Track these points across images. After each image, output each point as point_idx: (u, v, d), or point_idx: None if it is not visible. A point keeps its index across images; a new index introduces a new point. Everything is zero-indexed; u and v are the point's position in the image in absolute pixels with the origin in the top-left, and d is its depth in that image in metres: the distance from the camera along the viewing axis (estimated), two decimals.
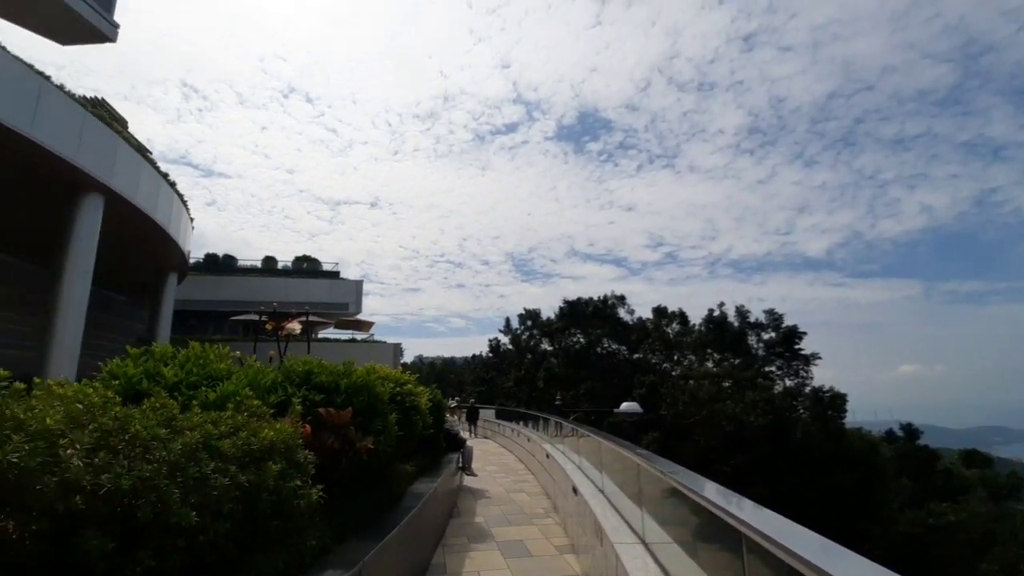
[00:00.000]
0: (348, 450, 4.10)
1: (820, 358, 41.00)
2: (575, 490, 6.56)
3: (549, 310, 62.08)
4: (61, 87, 10.82)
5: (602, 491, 6.01)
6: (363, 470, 4.41)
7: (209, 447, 2.54)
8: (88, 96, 13.60)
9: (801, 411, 38.00)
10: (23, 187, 11.81)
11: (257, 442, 2.82)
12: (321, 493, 3.27)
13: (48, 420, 2.17)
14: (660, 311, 48.58)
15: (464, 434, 16.04)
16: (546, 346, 50.61)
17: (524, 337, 52.48)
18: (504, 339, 54.55)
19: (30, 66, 10.12)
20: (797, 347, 42.02)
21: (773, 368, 42.64)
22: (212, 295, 28.40)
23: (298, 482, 3.02)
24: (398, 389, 5.43)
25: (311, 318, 22.15)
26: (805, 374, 40.90)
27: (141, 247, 16.74)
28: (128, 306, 23.42)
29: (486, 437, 25.50)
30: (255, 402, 3.18)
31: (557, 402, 38.51)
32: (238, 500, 2.58)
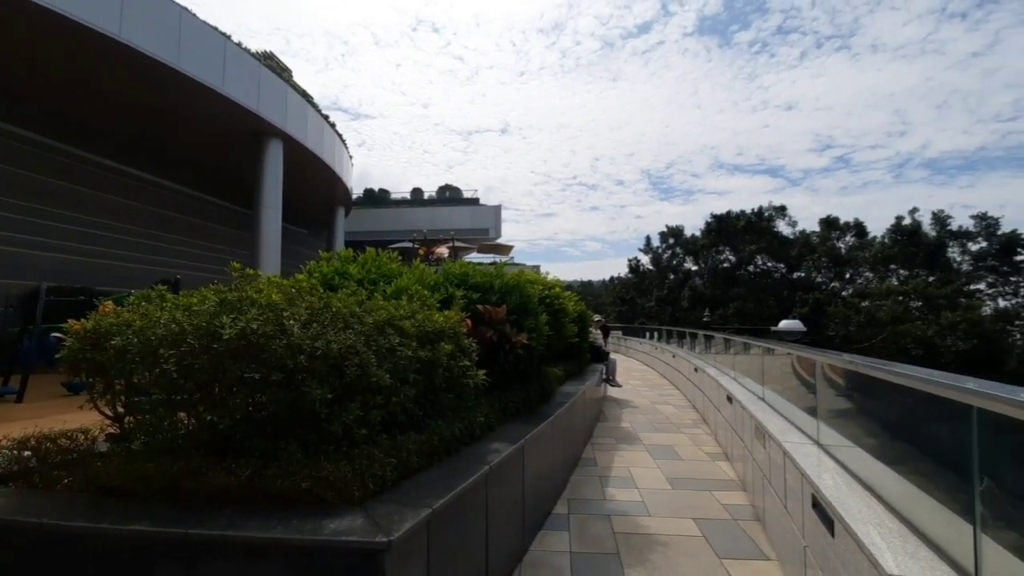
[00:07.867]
0: (504, 343, 4.38)
1: None
2: (730, 399, 6.30)
3: (692, 228, 57.97)
4: (239, 44, 12.31)
5: (763, 399, 5.69)
6: (516, 364, 4.72)
7: (393, 325, 2.87)
8: (259, 51, 15.29)
9: (1019, 336, 31.31)
10: (223, 138, 14.04)
11: (431, 325, 3.13)
12: (485, 377, 3.58)
13: (274, 296, 2.63)
14: (830, 222, 42.44)
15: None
16: (690, 265, 48.01)
17: (666, 256, 50.24)
18: (644, 259, 52.70)
19: (214, 28, 11.63)
20: (1019, 259, 34.02)
21: (982, 286, 35.30)
22: (372, 226, 31.81)
23: (467, 362, 3.32)
24: (547, 292, 5.60)
25: (456, 243, 23.68)
26: None
27: (314, 185, 19.12)
28: (309, 238, 27.32)
29: (622, 354, 25.77)
30: (425, 293, 3.52)
31: (705, 319, 36.83)
32: (419, 371, 2.93)
